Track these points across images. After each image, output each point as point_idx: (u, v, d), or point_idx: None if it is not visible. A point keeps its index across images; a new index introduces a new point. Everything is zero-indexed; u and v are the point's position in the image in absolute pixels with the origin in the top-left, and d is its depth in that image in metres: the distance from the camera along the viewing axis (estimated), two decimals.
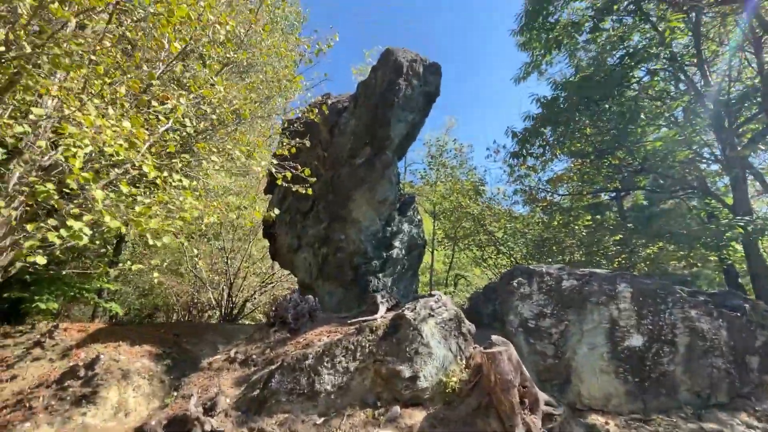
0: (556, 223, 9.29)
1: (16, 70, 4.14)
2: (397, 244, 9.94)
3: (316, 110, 8.28)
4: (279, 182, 6.14)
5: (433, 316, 4.78)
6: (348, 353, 4.52)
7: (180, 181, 5.03)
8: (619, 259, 9.79)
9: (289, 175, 6.09)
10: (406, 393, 4.41)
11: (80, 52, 4.09)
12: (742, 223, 7.66)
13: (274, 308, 5.94)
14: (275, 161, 5.93)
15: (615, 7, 8.85)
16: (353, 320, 5.12)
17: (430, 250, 16.46)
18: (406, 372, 4.45)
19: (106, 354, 5.68)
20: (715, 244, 8.34)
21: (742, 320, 5.18)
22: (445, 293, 17.20)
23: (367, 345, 4.59)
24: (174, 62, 5.39)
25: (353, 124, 8.65)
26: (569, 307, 4.99)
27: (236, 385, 4.59)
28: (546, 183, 11.65)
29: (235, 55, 6.71)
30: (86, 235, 3.90)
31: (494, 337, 4.49)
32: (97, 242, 14.51)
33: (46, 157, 6.72)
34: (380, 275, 9.74)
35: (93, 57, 4.39)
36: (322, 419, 4.22)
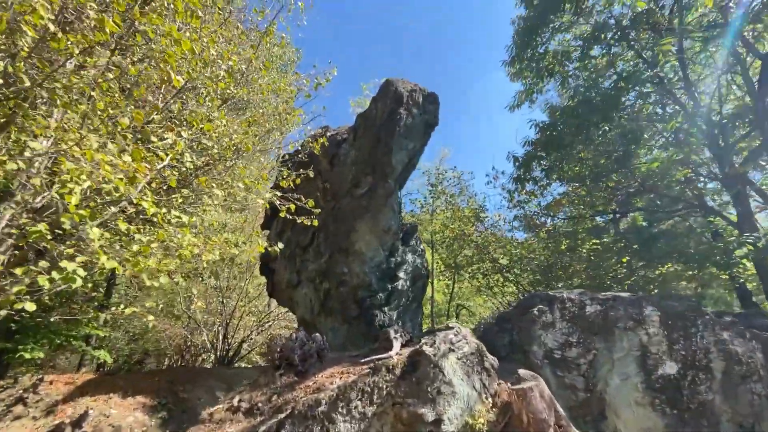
0: (563, 246, 9.11)
1: (12, 110, 4.00)
2: (401, 275, 9.64)
3: (319, 140, 8.25)
4: (282, 214, 5.94)
5: (453, 350, 4.46)
6: (364, 397, 4.14)
7: (179, 217, 4.81)
8: (629, 282, 9.58)
9: (293, 207, 5.90)
10: None
11: (80, 86, 3.98)
12: (751, 240, 7.56)
13: (279, 349, 5.55)
14: (278, 193, 5.75)
15: (602, 36, 9.17)
16: (366, 359, 4.76)
17: (430, 280, 16.11)
18: (429, 415, 4.07)
19: (95, 409, 5.18)
20: (725, 263, 8.19)
21: None
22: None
23: (385, 386, 4.23)
24: (178, 96, 5.32)
25: (353, 154, 8.60)
26: (596, 334, 4.71)
27: None
28: (545, 208, 11.60)
29: (235, 91, 6.69)
30: (80, 277, 3.61)
31: (522, 372, 4.17)
32: (89, 285, 13.98)
33: (38, 198, 6.47)
34: (386, 308, 9.37)
35: (93, 93, 4.28)
36: None
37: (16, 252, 6.06)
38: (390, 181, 8.30)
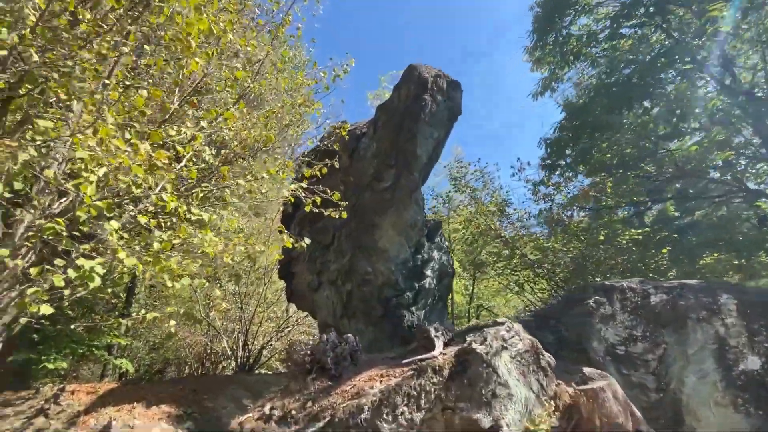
0: (602, 237, 8.55)
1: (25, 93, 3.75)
2: (428, 272, 9.19)
3: (341, 130, 7.91)
4: (308, 208, 5.60)
5: (506, 348, 4.01)
6: (411, 401, 3.72)
7: (199, 215, 4.49)
8: (671, 274, 8.95)
9: (318, 199, 5.55)
10: None
11: (94, 66, 3.68)
12: None
13: (309, 352, 5.17)
14: (303, 185, 5.40)
15: (633, 13, 8.64)
16: (407, 360, 4.33)
17: None
18: (485, 421, 3.62)
19: (118, 419, 4.88)
20: None
21: None
22: None
23: (433, 389, 3.80)
24: (196, 85, 5.03)
25: (374, 147, 8.23)
26: (664, 326, 4.21)
27: None
28: (572, 200, 10.99)
29: (253, 85, 6.40)
30: (98, 275, 3.29)
31: (588, 370, 3.69)
32: (109, 291, 13.86)
33: (56, 204, 6.24)
34: (413, 308, 8.94)
35: (108, 81, 4.00)
36: None
37: (33, 258, 5.82)
38: (414, 173, 7.90)
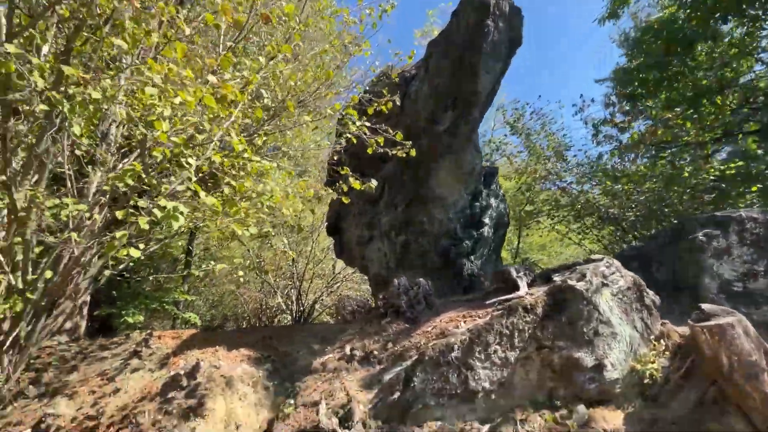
0: (686, 173, 7.67)
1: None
2: (486, 221, 8.81)
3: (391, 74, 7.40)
4: (370, 150, 5.30)
5: (607, 285, 3.65)
6: (503, 340, 3.51)
7: (260, 162, 4.31)
8: None
9: (381, 140, 5.22)
10: (591, 387, 3.32)
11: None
12: None
13: (382, 297, 5.08)
14: (367, 123, 5.07)
15: None
16: (492, 300, 4.10)
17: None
18: (587, 360, 3.37)
19: (205, 360, 5.12)
20: None
21: None
22: None
23: (526, 328, 3.56)
24: (250, 24, 4.70)
25: (427, 88, 7.65)
26: None
27: (365, 387, 3.76)
28: (639, 137, 9.88)
29: (299, 26, 5.95)
30: (182, 214, 3.21)
31: (707, 307, 3.28)
32: (177, 245, 14.65)
33: (120, 165, 6.31)
34: (472, 257, 8.68)
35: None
36: (488, 426, 3.25)
37: (108, 214, 5.98)
38: (474, 113, 7.32)
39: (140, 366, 5.29)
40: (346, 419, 3.31)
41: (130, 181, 3.37)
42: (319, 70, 5.70)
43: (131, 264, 10.05)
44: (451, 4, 7.43)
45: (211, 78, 3.33)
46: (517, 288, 4.21)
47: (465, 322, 3.97)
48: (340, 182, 5.22)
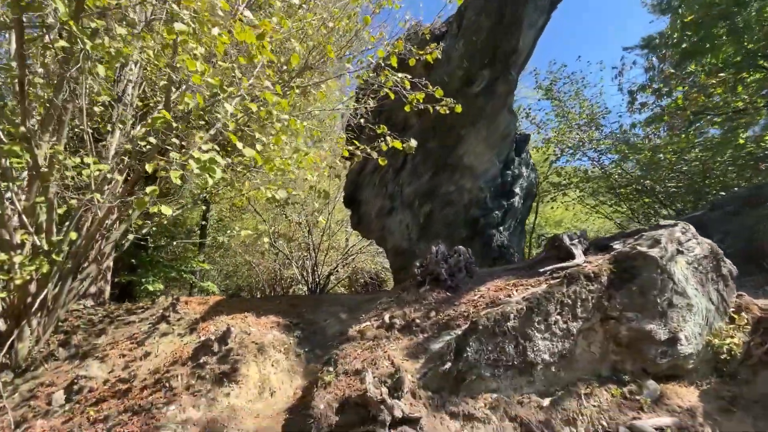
0: (741, 140, 7.11)
1: None
2: (517, 191, 8.42)
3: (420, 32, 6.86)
4: (408, 108, 4.90)
5: (682, 252, 3.31)
6: (565, 310, 3.23)
7: (293, 121, 3.95)
8: None
9: (420, 97, 4.80)
10: (663, 362, 3.05)
11: None
12: None
13: (420, 264, 4.81)
14: (408, 76, 4.64)
15: None
16: (547, 268, 3.80)
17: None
18: (660, 332, 3.07)
19: (235, 326, 4.98)
20: None
21: None
22: None
23: (590, 297, 3.27)
24: None
25: (461, 46, 7.08)
26: None
27: (410, 356, 3.55)
28: (680, 105, 9.21)
29: None
30: (219, 166, 2.92)
31: None
32: (188, 221, 14.55)
33: (138, 127, 5.99)
34: (501, 228, 8.36)
35: None
36: (548, 400, 3.01)
37: (130, 175, 5.73)
38: (513, 72, 6.79)
39: (169, 330, 5.18)
40: (395, 388, 3.11)
41: (160, 129, 3.07)
42: (350, 21, 5.22)
43: (152, 231, 9.94)
44: None
45: (247, 13, 2.94)
46: (571, 256, 3.89)
47: (517, 290, 3.69)
48: (362, 147, 4.82)
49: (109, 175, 5.22)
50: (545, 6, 6.60)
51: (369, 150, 4.42)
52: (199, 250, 15.44)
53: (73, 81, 4.51)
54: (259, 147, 3.92)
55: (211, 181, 3.00)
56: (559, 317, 3.21)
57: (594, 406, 2.90)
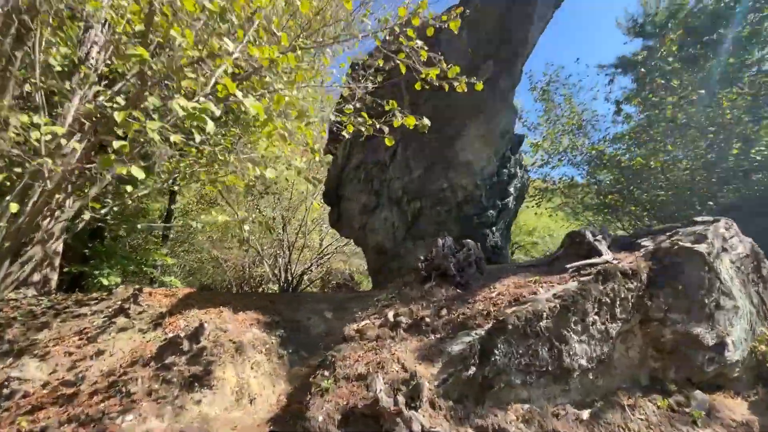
0: (736, 150, 7.17)
1: None
2: (511, 190, 8.17)
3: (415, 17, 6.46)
4: (418, 85, 4.45)
5: (726, 250, 3.05)
6: (602, 310, 2.87)
7: (290, 87, 3.42)
8: None
9: (435, 72, 4.36)
10: (710, 370, 2.75)
11: None
12: None
13: (424, 258, 4.36)
14: (425, 46, 4.19)
15: None
16: (573, 265, 3.44)
17: None
18: (707, 337, 2.77)
19: (209, 322, 4.31)
20: None
21: None
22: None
23: (629, 297, 2.92)
24: None
25: (465, 36, 6.76)
26: None
27: (423, 359, 3.07)
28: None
29: None
30: (211, 116, 2.35)
31: None
32: (150, 212, 13.48)
33: (101, 97, 5.23)
34: (494, 229, 8.07)
35: None
36: (588, 412, 2.63)
37: (90, 142, 4.95)
38: (518, 65, 6.52)
39: (128, 325, 4.43)
40: (411, 397, 2.62)
41: (135, 69, 2.46)
42: None
43: (112, 212, 8.94)
44: None
45: None
46: (596, 252, 3.56)
47: (542, 287, 3.31)
48: (370, 121, 4.30)
49: (63, 141, 4.44)
50: (552, 0, 6.41)
51: (378, 124, 3.93)
52: (163, 242, 14.28)
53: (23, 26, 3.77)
54: (255, 108, 3.36)
55: (198, 138, 2.42)
56: (596, 317, 2.85)
57: (641, 419, 2.54)
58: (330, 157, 11.05)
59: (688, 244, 2.93)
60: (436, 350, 3.11)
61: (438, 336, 3.30)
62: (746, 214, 5.92)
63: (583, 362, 2.74)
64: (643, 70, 9.74)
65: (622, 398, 2.69)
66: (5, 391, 3.58)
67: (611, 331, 2.82)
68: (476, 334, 3.02)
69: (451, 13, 4.14)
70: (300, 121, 3.52)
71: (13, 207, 3.92)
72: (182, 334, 3.99)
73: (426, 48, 4.11)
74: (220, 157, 4.64)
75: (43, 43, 4.27)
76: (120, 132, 3.02)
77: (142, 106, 2.52)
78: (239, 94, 2.43)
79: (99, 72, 6.27)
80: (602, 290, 2.90)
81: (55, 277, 6.88)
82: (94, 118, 4.46)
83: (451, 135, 7.64)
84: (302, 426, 2.80)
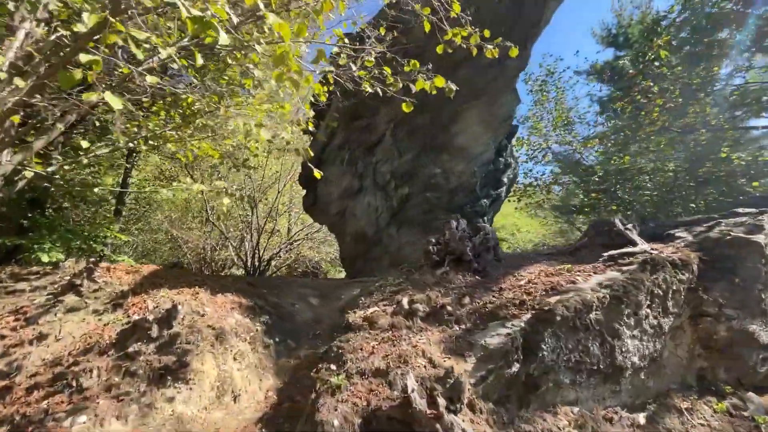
0: (724, 154, 7.33)
1: None
2: (505, 180, 7.94)
3: None
4: (440, 49, 3.97)
5: None
6: (655, 302, 2.58)
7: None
8: None
9: (464, 32, 3.88)
10: (762, 370, 2.54)
11: None
12: None
13: (436, 241, 3.93)
14: None
15: None
16: (612, 253, 3.14)
17: None
18: (763, 335, 2.56)
19: (184, 304, 3.65)
20: None
21: None
22: None
23: (681, 289, 2.66)
24: None
25: (472, 12, 6.33)
26: None
27: (451, 353, 2.65)
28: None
29: None
30: (225, 24, 1.76)
31: None
32: (105, 184, 12.22)
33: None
34: (485, 218, 7.81)
35: None
36: (643, 416, 2.33)
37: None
38: (529, 46, 6.22)
39: (80, 305, 3.67)
40: (450, 398, 2.19)
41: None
42: None
43: (60, 173, 7.81)
44: None
45: None
46: (629, 242, 3.29)
47: (578, 276, 2.99)
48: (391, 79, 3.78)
49: (2, 74, 3.57)
50: None
51: (401, 83, 3.43)
52: (115, 217, 12.92)
53: None
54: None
55: (200, 60, 1.83)
56: (648, 311, 2.55)
57: (701, 424, 2.27)
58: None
59: (742, 234, 2.70)
60: (464, 343, 2.70)
61: (463, 326, 2.89)
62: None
63: (636, 360, 2.44)
64: (632, 71, 9.83)
65: (676, 400, 2.42)
66: None
67: (664, 326, 2.53)
68: (513, 325, 2.64)
69: None
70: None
71: None
72: (150, 318, 3.32)
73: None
74: (207, 109, 3.94)
75: None
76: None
77: (123, 6, 1.86)
78: (261, 4, 1.85)
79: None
80: (654, 281, 2.60)
81: None
82: (48, 51, 3.64)
83: (449, 117, 7.24)
84: (311, 430, 2.29)
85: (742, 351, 2.55)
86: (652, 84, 9.05)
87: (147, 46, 2.72)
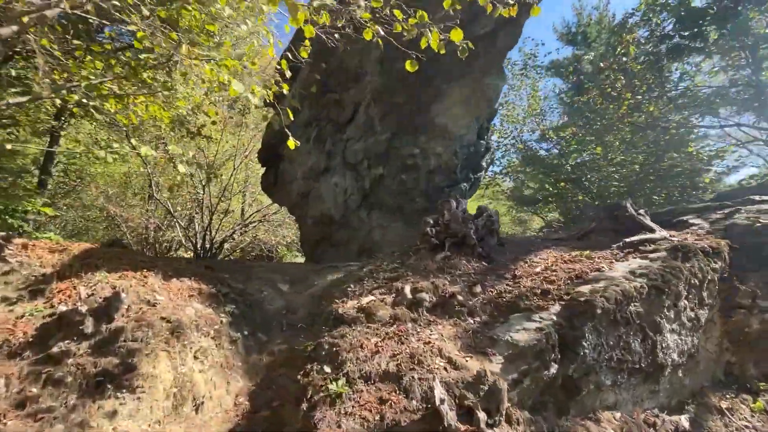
0: (690, 148, 7.57)
1: None
2: (484, 164, 7.68)
3: None
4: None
5: None
6: (691, 293, 2.35)
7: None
8: None
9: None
10: None
11: None
12: None
13: (433, 222, 3.51)
14: None
15: None
16: (633, 239, 2.89)
17: None
18: None
19: (128, 291, 2.92)
20: None
21: None
22: None
23: (715, 278, 2.45)
24: None
25: None
26: None
27: (470, 351, 2.24)
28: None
29: None
30: None
31: None
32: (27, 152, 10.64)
33: None
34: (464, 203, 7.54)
35: None
36: (685, 418, 2.09)
37: None
38: (522, 24, 5.89)
39: None
40: (488, 411, 1.79)
41: None
42: None
43: None
44: None
45: None
46: (645, 228, 3.07)
47: (605, 263, 2.70)
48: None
49: None
50: None
51: (382, 31, 2.92)
52: (39, 190, 11.15)
53: None
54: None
55: None
56: (686, 302, 2.31)
57: (745, 426, 2.07)
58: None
59: None
60: (485, 338, 2.31)
61: (478, 319, 2.50)
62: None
63: (675, 357, 2.20)
64: (602, 64, 9.97)
65: (713, 399, 2.22)
66: None
67: (701, 317, 2.31)
68: (542, 318, 2.28)
69: None
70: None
71: None
72: (83, 308, 2.59)
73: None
74: (161, 54, 3.14)
75: None
76: None
77: None
78: None
79: None
80: (690, 269, 2.36)
81: None
82: None
83: (429, 96, 6.79)
84: None
85: None
86: (622, 77, 9.24)
87: None
